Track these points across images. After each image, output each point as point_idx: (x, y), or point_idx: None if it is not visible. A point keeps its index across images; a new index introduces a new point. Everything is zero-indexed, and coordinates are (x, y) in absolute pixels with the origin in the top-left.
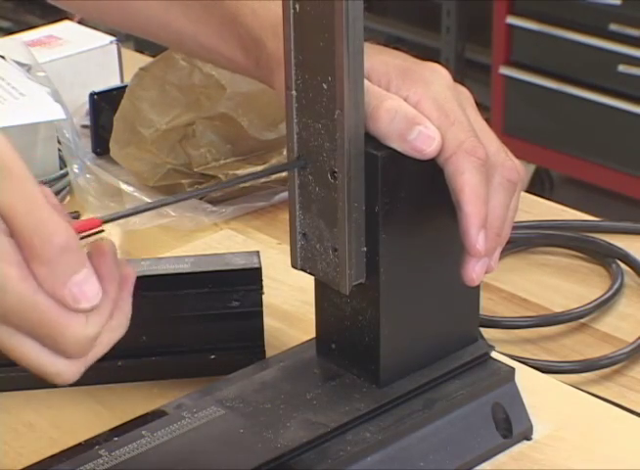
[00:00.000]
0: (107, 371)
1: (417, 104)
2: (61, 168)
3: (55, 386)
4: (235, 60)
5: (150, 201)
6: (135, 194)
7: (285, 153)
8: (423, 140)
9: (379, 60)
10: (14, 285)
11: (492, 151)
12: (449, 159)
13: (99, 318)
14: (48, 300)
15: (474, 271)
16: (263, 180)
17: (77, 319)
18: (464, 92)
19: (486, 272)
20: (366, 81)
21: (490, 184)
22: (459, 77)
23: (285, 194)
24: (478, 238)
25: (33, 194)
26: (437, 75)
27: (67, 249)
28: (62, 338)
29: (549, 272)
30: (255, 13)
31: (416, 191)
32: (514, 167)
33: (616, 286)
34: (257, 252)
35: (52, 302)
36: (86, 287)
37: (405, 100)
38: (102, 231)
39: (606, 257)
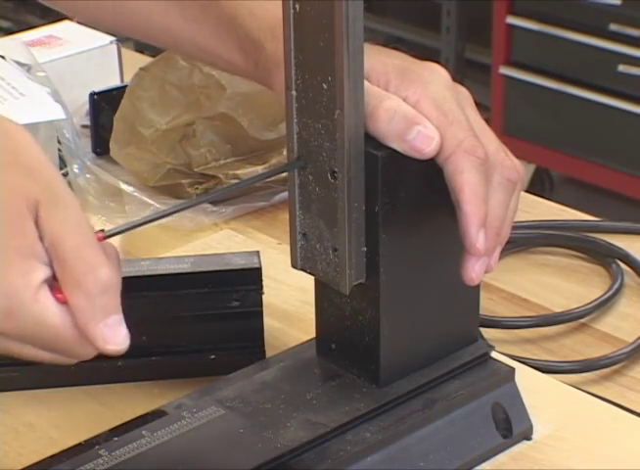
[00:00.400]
0: (107, 371)
1: (416, 104)
2: (61, 168)
3: (55, 386)
4: (233, 61)
5: (150, 201)
6: (135, 194)
7: (285, 153)
8: (422, 140)
9: (378, 60)
10: (29, 305)
11: (492, 150)
12: (448, 158)
13: None
14: (65, 321)
15: (473, 271)
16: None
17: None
18: (463, 92)
19: (486, 272)
20: (365, 82)
21: (490, 183)
22: (459, 77)
23: (285, 194)
24: (477, 237)
25: (85, 226)
26: (436, 75)
27: (109, 287)
28: (75, 354)
29: (549, 272)
30: (253, 14)
31: (416, 191)
32: (513, 167)
33: (616, 286)
34: (257, 252)
35: (69, 323)
36: (118, 331)
37: (404, 100)
38: (102, 231)
39: (606, 257)
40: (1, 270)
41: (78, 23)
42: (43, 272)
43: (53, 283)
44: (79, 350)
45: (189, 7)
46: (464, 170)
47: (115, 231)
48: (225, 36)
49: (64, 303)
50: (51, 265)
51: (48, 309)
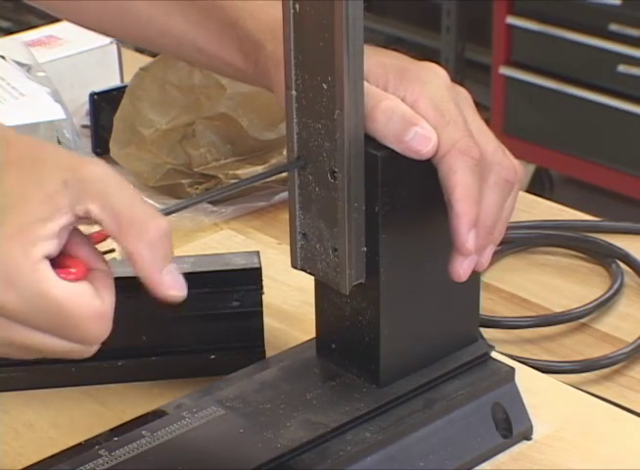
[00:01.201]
0: (107, 371)
1: (414, 103)
2: None
3: (55, 386)
4: (234, 64)
5: (150, 201)
6: None
7: (285, 153)
8: (419, 141)
9: (376, 61)
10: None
11: (490, 150)
12: (443, 158)
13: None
14: (67, 294)
15: (461, 267)
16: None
17: (94, 308)
18: (462, 92)
19: (476, 269)
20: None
21: (486, 183)
22: (459, 77)
23: (285, 194)
24: (467, 237)
25: (125, 180)
26: (435, 75)
27: (168, 233)
28: (80, 334)
29: (549, 272)
30: (254, 16)
31: (416, 191)
32: (511, 167)
33: (616, 286)
34: (257, 252)
35: (72, 297)
36: (178, 277)
37: (402, 100)
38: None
39: (606, 257)
40: (2, 240)
41: None
42: (46, 248)
43: (59, 263)
44: (86, 327)
45: (191, 10)
46: (457, 170)
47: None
48: (226, 39)
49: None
50: (63, 246)
51: (48, 280)
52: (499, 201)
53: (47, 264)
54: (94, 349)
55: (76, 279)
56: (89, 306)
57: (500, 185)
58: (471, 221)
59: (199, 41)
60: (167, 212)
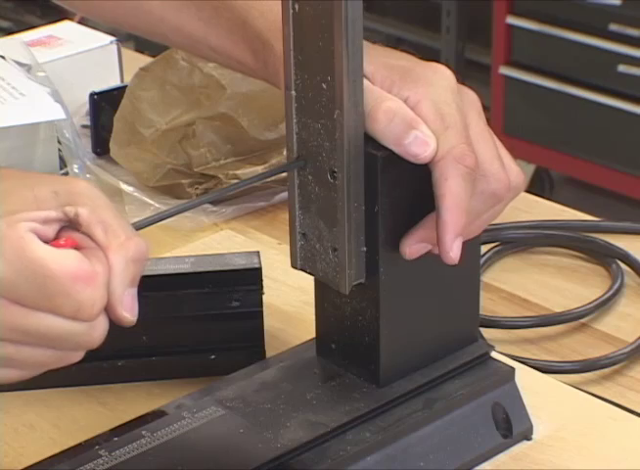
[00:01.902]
0: (107, 371)
1: (416, 105)
2: (61, 168)
3: (55, 386)
4: (244, 62)
5: (150, 201)
6: (135, 194)
7: (285, 153)
8: (418, 145)
9: (383, 62)
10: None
11: (486, 159)
12: (437, 163)
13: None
14: (54, 257)
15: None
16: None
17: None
18: (469, 94)
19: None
20: (367, 82)
21: (473, 189)
22: (459, 78)
23: (285, 194)
24: (452, 246)
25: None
26: (440, 77)
27: (143, 258)
28: (74, 295)
29: (549, 272)
30: (264, 16)
31: (416, 191)
32: (504, 181)
33: (616, 286)
34: (257, 252)
35: (55, 255)
36: (135, 303)
37: (405, 101)
38: None
39: (606, 257)
40: None
41: (79, 22)
42: (32, 225)
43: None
44: (76, 291)
45: (203, 8)
46: (448, 178)
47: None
48: (237, 37)
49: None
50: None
51: (32, 243)
52: (478, 210)
53: (34, 236)
54: (97, 331)
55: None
56: (76, 268)
57: (485, 196)
58: (456, 231)
59: (211, 40)
60: (170, 214)
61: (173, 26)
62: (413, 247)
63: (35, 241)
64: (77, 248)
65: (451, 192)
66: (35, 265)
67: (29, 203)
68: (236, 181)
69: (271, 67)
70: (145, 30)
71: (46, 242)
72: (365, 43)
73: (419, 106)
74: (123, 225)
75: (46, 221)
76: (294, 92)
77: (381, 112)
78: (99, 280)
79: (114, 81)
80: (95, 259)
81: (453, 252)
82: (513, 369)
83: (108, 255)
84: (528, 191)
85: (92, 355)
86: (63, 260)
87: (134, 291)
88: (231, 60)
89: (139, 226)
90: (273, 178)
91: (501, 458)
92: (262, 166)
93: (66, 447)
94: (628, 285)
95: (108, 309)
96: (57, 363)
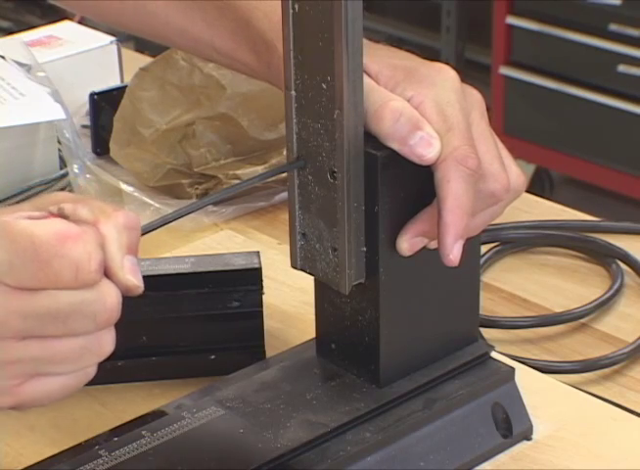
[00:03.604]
0: (107, 371)
1: (419, 105)
2: (61, 168)
3: None
4: (248, 63)
5: (150, 201)
6: (135, 194)
7: (285, 153)
8: (423, 146)
9: (387, 62)
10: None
11: (486, 159)
12: (439, 164)
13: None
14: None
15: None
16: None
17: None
18: (473, 95)
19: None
20: (371, 82)
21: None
22: (460, 78)
23: (285, 194)
24: (452, 248)
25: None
26: (444, 77)
27: (137, 227)
28: (67, 255)
29: (549, 272)
30: (267, 17)
31: (416, 191)
32: (504, 182)
33: (616, 286)
34: (257, 252)
35: (38, 223)
36: (138, 269)
37: (409, 100)
38: None
39: (606, 257)
40: None
41: (79, 22)
42: (16, 215)
43: None
44: (68, 249)
45: (208, 9)
46: (450, 179)
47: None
48: (240, 38)
49: None
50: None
51: (15, 220)
52: (475, 209)
53: (18, 218)
54: (109, 296)
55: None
56: (60, 229)
57: (483, 195)
58: (458, 233)
59: (215, 41)
60: (174, 218)
61: (178, 29)
62: (410, 241)
63: (20, 219)
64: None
65: (453, 194)
66: (22, 237)
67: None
68: (238, 182)
69: (274, 68)
70: (150, 34)
71: None
72: (369, 43)
73: (422, 106)
74: (108, 206)
75: (30, 217)
76: (294, 92)
77: (387, 111)
78: (88, 236)
79: (113, 81)
80: (83, 225)
81: (453, 254)
82: (513, 369)
83: (98, 227)
84: (528, 191)
85: None
86: (47, 226)
87: (134, 258)
88: (234, 61)
89: (143, 231)
90: (273, 178)
91: (501, 458)
92: (262, 166)
93: (66, 448)
94: (628, 285)
95: (111, 278)
96: (90, 352)
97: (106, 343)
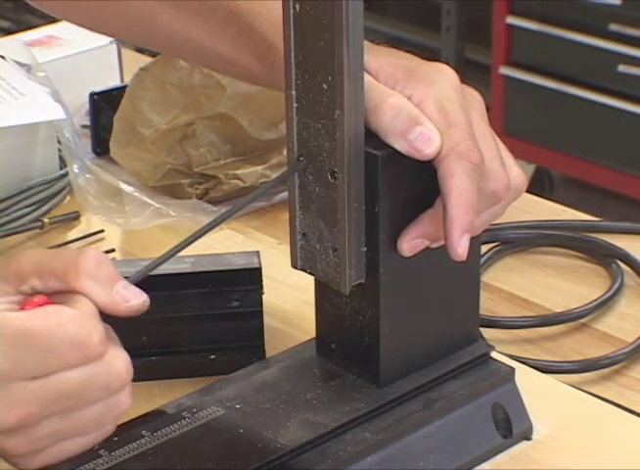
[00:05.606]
0: None
1: (419, 103)
2: (61, 168)
3: None
4: (251, 68)
5: (150, 201)
6: (135, 194)
7: (285, 153)
8: (423, 141)
9: (387, 61)
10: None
11: (486, 158)
12: (442, 160)
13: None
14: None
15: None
16: (263, 180)
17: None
18: (472, 94)
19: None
20: (371, 79)
21: None
22: (460, 78)
23: (285, 194)
24: (459, 242)
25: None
26: (444, 76)
27: (102, 260)
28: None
29: (549, 272)
30: (271, 21)
31: (416, 191)
32: (504, 180)
33: (616, 286)
34: (257, 252)
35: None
36: (131, 289)
37: (409, 98)
38: (102, 231)
39: (606, 257)
40: None
41: None
42: None
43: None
44: (66, 329)
45: (212, 18)
46: (454, 174)
47: (140, 274)
48: (244, 44)
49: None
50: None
51: (6, 315)
52: (477, 208)
53: (4, 310)
54: (115, 364)
55: (39, 305)
56: (55, 316)
57: (484, 194)
58: (464, 227)
59: (218, 48)
60: (201, 234)
61: (182, 39)
62: (410, 243)
63: (6, 313)
64: (49, 302)
65: (457, 188)
66: (20, 334)
67: None
68: (254, 191)
69: (277, 68)
70: (155, 45)
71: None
72: (369, 43)
73: (422, 104)
74: (64, 257)
75: (10, 303)
76: (294, 92)
77: (386, 106)
78: (80, 311)
79: (113, 81)
80: (71, 300)
81: (461, 248)
82: (513, 369)
83: (75, 288)
84: (528, 191)
85: None
86: (40, 316)
87: (123, 283)
88: (238, 67)
89: (167, 257)
90: (273, 178)
91: (501, 458)
92: (262, 166)
93: None
94: (628, 285)
95: (115, 314)
96: (110, 413)
97: (123, 402)
